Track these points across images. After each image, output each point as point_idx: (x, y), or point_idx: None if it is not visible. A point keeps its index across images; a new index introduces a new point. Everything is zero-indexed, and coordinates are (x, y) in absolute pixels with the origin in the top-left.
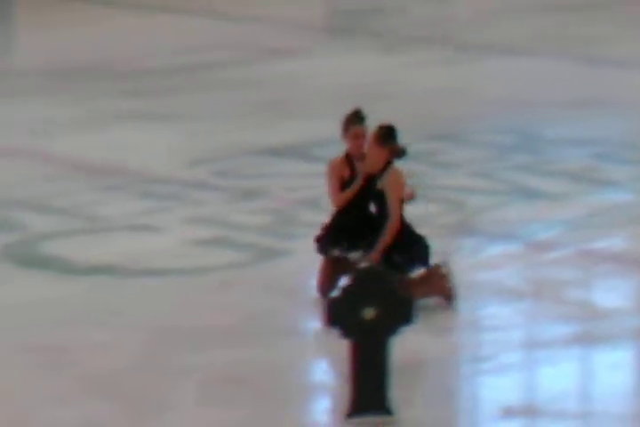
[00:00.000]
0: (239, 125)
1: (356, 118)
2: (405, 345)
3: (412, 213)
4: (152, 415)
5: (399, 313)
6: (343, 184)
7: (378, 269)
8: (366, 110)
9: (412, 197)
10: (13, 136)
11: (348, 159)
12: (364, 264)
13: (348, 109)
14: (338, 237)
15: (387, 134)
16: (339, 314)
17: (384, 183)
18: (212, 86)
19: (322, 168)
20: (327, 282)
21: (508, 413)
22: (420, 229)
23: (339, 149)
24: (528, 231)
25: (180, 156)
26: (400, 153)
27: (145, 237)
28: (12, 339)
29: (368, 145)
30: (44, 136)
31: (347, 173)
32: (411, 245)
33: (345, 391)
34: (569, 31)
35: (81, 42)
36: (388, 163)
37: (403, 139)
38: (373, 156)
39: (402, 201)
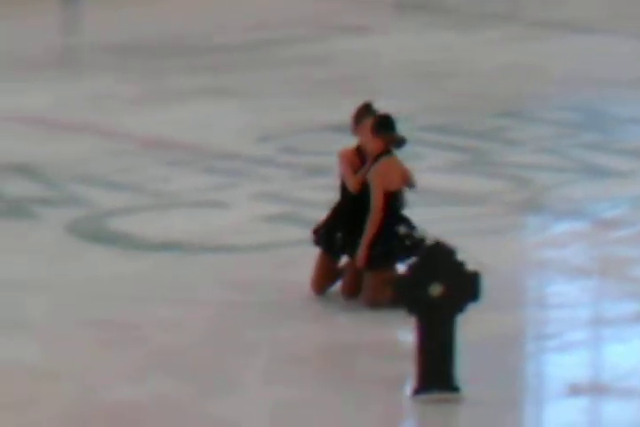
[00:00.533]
0: (307, 102)
1: (367, 111)
2: (471, 322)
3: (475, 189)
4: (218, 392)
5: (466, 290)
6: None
7: (445, 246)
8: (433, 87)
9: (411, 185)
10: (81, 112)
11: (359, 152)
12: (429, 241)
13: (417, 86)
14: (332, 229)
15: (381, 124)
16: (405, 291)
17: (370, 175)
18: (282, 63)
19: None
20: (322, 278)
21: (574, 390)
22: (487, 207)
23: (406, 126)
24: (595, 209)
25: (247, 132)
26: (395, 143)
27: (212, 213)
28: (79, 315)
29: (365, 136)
30: (111, 112)
31: (357, 165)
32: (389, 240)
33: (411, 369)
34: (639, 9)
35: (150, 18)
36: (386, 153)
37: (467, 116)
38: (369, 146)
39: (390, 193)
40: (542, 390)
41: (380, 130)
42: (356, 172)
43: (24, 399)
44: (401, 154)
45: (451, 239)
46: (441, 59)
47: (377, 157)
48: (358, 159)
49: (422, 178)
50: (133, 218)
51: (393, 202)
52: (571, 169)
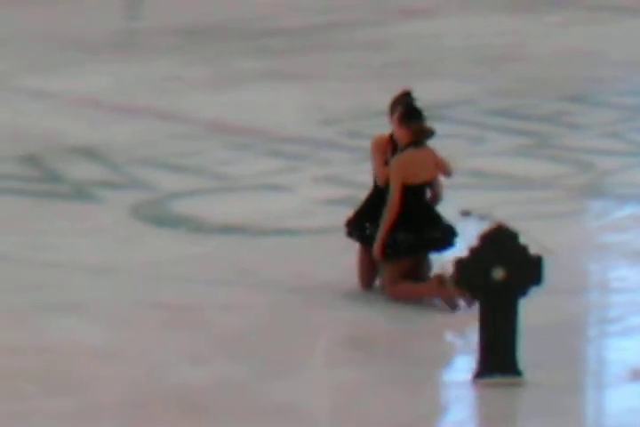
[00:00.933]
0: (370, 86)
1: (403, 100)
2: (534, 306)
3: (537, 173)
4: (279, 375)
5: (528, 274)
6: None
7: (508, 230)
8: (495, 71)
9: (447, 174)
10: (144, 95)
11: (393, 141)
12: (492, 225)
13: (479, 70)
14: (361, 219)
15: (407, 114)
16: (467, 275)
17: (390, 166)
18: (344, 46)
19: (452, 129)
20: (364, 273)
21: (636, 375)
22: (550, 191)
23: (468, 109)
24: None
25: (310, 115)
26: (422, 134)
27: (274, 196)
28: (142, 297)
29: (395, 126)
30: (174, 95)
31: (388, 154)
32: (411, 231)
33: (473, 353)
34: None
35: (214, 1)
36: (414, 144)
37: (531, 100)
38: (397, 136)
39: (410, 186)
40: (604, 374)
41: (406, 120)
42: (386, 161)
43: (86, 381)
44: (464, 137)
45: (513, 223)
46: (503, 43)
47: (405, 148)
48: (391, 148)
49: (484, 162)
50: (196, 201)
51: (413, 195)
52: (633, 153)
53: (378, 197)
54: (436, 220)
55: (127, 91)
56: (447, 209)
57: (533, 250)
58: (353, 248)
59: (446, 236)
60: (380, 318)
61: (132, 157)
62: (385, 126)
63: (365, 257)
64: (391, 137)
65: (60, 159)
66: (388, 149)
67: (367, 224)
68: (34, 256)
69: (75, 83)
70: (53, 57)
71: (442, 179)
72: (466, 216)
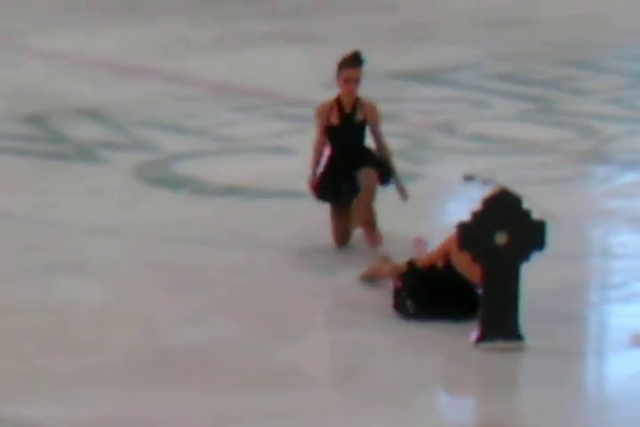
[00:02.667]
0: (376, 48)
1: (351, 61)
2: (536, 271)
3: (540, 138)
4: (281, 337)
5: (531, 239)
6: (330, 130)
7: (510, 195)
8: (500, 35)
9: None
10: (150, 56)
11: (339, 104)
12: (495, 189)
13: (484, 34)
14: (334, 181)
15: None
16: (470, 239)
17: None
18: (350, 9)
19: (456, 93)
20: (339, 231)
21: (637, 341)
22: (553, 156)
23: (472, 73)
24: None
25: (315, 78)
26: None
27: (277, 158)
28: (144, 259)
29: None
30: (180, 56)
31: (335, 119)
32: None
33: (473, 317)
34: None
35: None
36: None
37: (535, 65)
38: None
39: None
40: (605, 340)
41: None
42: (334, 126)
43: (88, 342)
44: (468, 102)
45: (516, 188)
46: (508, 7)
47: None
48: (337, 113)
49: (487, 126)
50: (199, 162)
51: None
52: (637, 119)
53: (343, 158)
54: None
55: (132, 52)
56: (451, 173)
57: (536, 215)
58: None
59: None
60: (383, 281)
61: (135, 119)
62: (391, 88)
63: (338, 217)
64: (336, 101)
65: (64, 120)
66: (334, 113)
67: (342, 187)
68: (36, 216)
69: (80, 43)
70: (60, 18)
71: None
72: (469, 180)
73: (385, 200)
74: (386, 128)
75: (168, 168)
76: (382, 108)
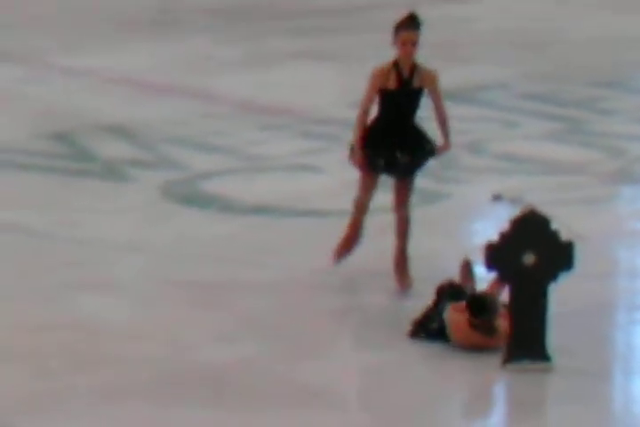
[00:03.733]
0: None
1: (408, 23)
2: (564, 292)
3: (569, 158)
4: (305, 357)
5: (559, 259)
6: (386, 94)
7: (539, 215)
8: (530, 55)
9: None
10: (178, 73)
11: (396, 67)
12: (524, 209)
13: (514, 54)
14: (388, 148)
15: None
16: (498, 259)
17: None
18: (378, 28)
19: (485, 112)
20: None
21: None
22: (582, 176)
23: (502, 93)
24: None
25: (342, 96)
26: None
27: (304, 177)
28: (171, 276)
29: None
30: (208, 74)
31: (393, 83)
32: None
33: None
34: None
35: None
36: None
37: (565, 85)
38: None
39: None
40: (633, 360)
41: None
42: (390, 90)
43: (114, 359)
44: (497, 121)
45: (545, 208)
46: (538, 27)
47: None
48: (395, 76)
49: (517, 146)
50: (226, 181)
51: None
52: None
53: (397, 123)
54: None
55: (160, 69)
56: (479, 193)
57: (564, 235)
58: (382, 230)
59: None
60: (410, 302)
61: (163, 136)
62: (421, 107)
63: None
64: (393, 64)
65: (91, 137)
66: (391, 76)
67: (398, 154)
68: (64, 234)
69: (108, 61)
70: (88, 34)
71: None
72: (497, 200)
73: (413, 219)
74: None
75: (195, 186)
76: None
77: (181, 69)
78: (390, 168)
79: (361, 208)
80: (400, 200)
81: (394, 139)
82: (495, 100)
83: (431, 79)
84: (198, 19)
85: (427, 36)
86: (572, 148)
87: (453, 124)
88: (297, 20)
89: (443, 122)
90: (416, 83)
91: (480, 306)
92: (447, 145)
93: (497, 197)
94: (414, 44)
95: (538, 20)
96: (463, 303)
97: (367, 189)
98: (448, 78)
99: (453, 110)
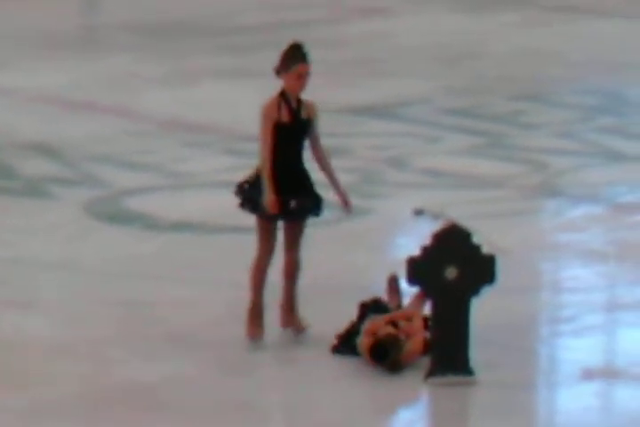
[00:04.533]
0: (326, 84)
1: (302, 55)
2: (486, 305)
3: (491, 172)
4: (232, 373)
5: (481, 273)
6: (280, 129)
7: (460, 229)
8: (451, 70)
9: None
10: (100, 91)
11: (285, 100)
12: (445, 224)
13: (434, 69)
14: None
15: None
16: (420, 273)
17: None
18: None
19: (407, 128)
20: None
21: (588, 375)
22: (504, 190)
23: (424, 108)
24: (612, 193)
25: None
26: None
27: (228, 194)
28: (95, 294)
29: None
30: (130, 92)
31: (285, 116)
32: None
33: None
34: None
35: None
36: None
37: (486, 99)
38: (288, 87)
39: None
40: (556, 374)
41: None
42: (284, 124)
43: (39, 377)
44: (419, 136)
45: (466, 222)
46: (458, 42)
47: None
48: (286, 110)
49: (438, 161)
50: (150, 198)
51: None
52: (587, 153)
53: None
54: None
55: (84, 87)
56: (401, 208)
57: (486, 249)
58: (306, 246)
59: None
60: (336, 319)
61: (86, 154)
62: (341, 124)
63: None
64: (281, 95)
65: (13, 155)
66: (283, 110)
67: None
68: None
69: (30, 79)
70: (9, 53)
71: None
72: (419, 215)
73: (336, 234)
74: (336, 163)
75: (119, 204)
76: (333, 142)
77: (105, 87)
78: (288, 212)
79: (263, 268)
80: (290, 242)
81: (292, 181)
82: (417, 115)
83: (314, 111)
84: (121, 36)
85: (347, 52)
86: (493, 162)
87: (375, 140)
88: (219, 38)
89: (327, 166)
90: (304, 114)
91: (381, 353)
92: (346, 201)
93: (419, 212)
94: (309, 75)
95: (457, 35)
96: (380, 320)
97: (268, 240)
98: (370, 94)
99: (376, 126)
